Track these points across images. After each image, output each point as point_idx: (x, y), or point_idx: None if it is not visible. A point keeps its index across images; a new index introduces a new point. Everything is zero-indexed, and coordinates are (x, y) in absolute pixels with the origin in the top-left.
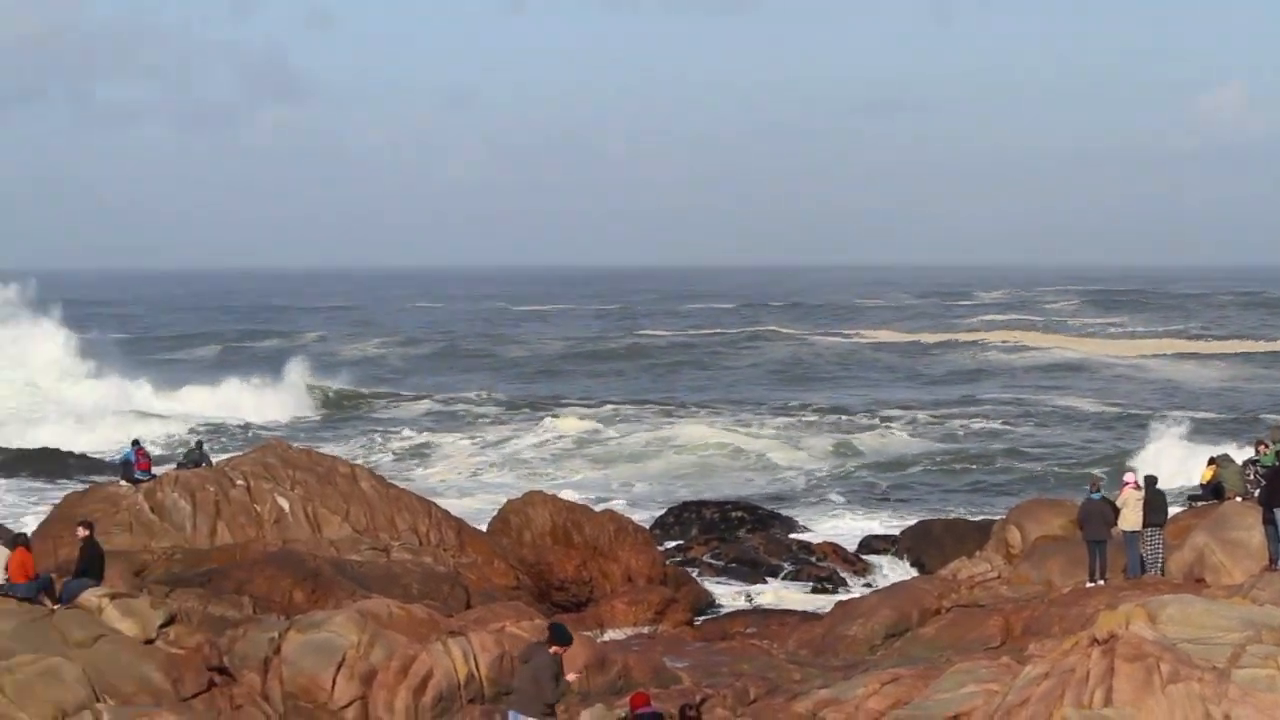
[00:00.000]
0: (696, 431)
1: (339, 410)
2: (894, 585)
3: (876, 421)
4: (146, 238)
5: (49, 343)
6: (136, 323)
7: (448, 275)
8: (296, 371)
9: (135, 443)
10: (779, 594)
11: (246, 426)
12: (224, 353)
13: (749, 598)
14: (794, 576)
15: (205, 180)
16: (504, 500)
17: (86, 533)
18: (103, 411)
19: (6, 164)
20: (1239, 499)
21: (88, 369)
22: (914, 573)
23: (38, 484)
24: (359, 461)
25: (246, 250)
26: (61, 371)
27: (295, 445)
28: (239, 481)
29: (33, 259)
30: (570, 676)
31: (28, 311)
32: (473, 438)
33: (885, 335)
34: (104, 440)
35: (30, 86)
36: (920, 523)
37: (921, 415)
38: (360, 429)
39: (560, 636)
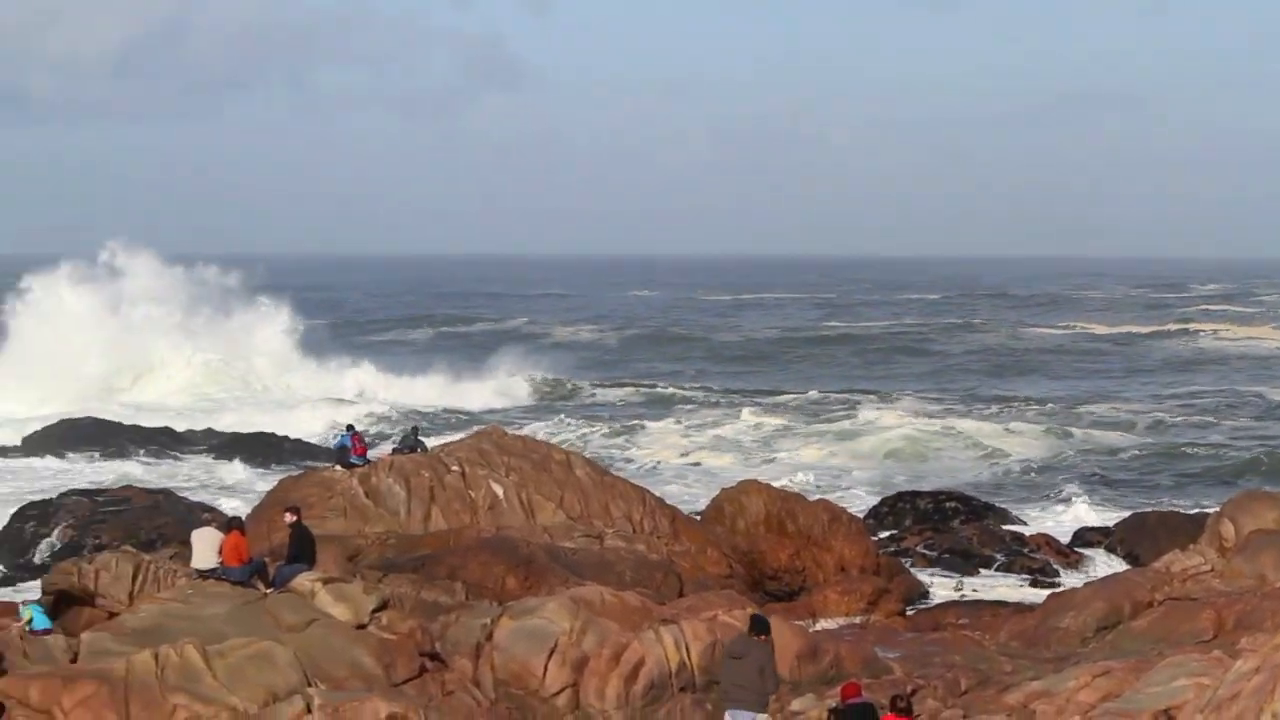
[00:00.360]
0: (909, 419)
1: (551, 394)
2: (1107, 578)
3: (1089, 411)
4: (362, 223)
5: (267, 329)
6: (351, 307)
7: (664, 263)
8: (509, 356)
9: (350, 428)
10: (992, 585)
11: (460, 412)
12: (437, 338)
13: (959, 588)
14: (1007, 568)
15: (422, 167)
16: (717, 487)
17: (294, 518)
18: (318, 397)
19: (225, 150)
20: None
21: (303, 354)
22: (1127, 565)
23: (253, 468)
24: (569, 445)
25: (462, 236)
26: (279, 357)
27: (510, 431)
28: (454, 467)
29: (249, 244)
30: None
31: (249, 298)
32: (685, 422)
33: (1097, 326)
34: (319, 425)
35: (250, 73)
36: (1134, 515)
37: (1134, 406)
38: (572, 413)
39: (764, 626)
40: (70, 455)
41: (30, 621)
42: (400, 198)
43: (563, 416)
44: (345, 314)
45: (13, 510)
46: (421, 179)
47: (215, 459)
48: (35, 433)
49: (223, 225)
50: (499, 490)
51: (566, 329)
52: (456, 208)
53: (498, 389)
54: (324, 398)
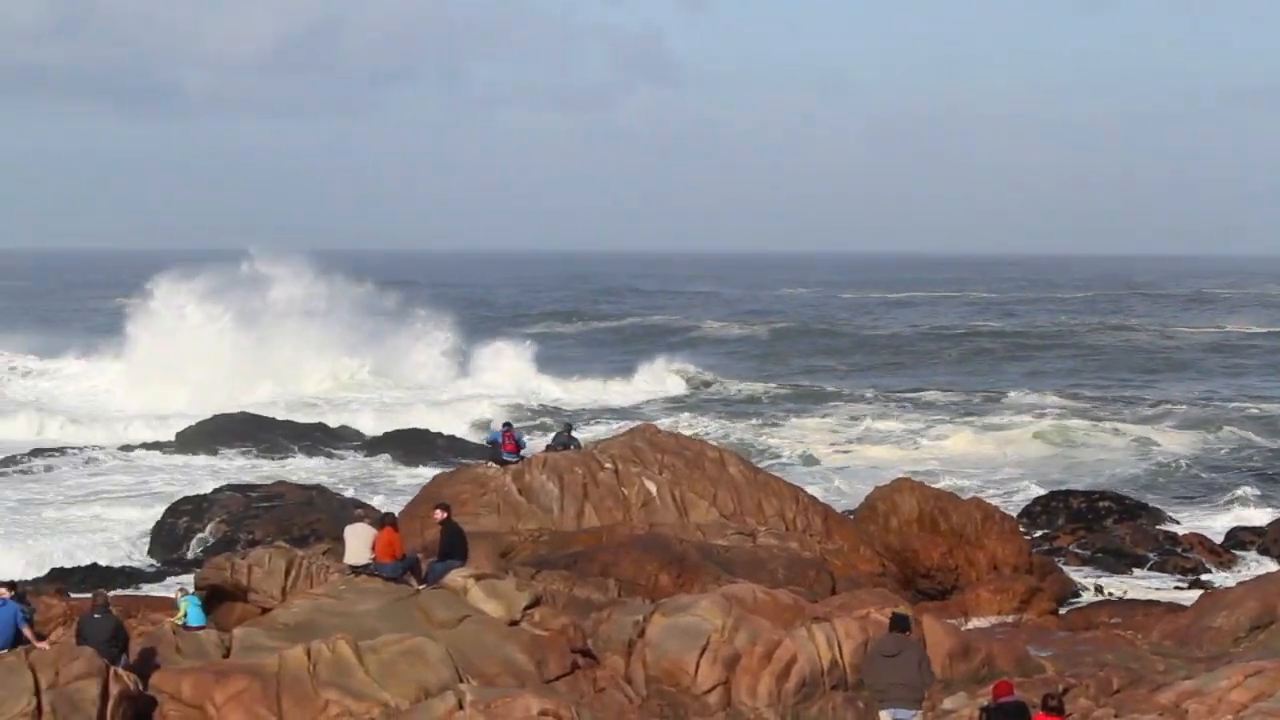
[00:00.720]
0: (1061, 416)
1: (700, 389)
2: (1260, 577)
3: (1241, 410)
4: (515, 219)
5: (424, 354)
6: (502, 303)
7: (815, 260)
8: (659, 351)
9: (506, 425)
10: (1144, 585)
11: (609, 408)
12: (588, 333)
13: (1099, 589)
14: (1159, 567)
15: (576, 163)
16: (868, 483)
17: (444, 514)
18: (469, 393)
19: (379, 145)
20: None
21: (456, 355)
22: None
23: (406, 465)
24: (717, 440)
25: (615, 232)
26: (436, 364)
27: (659, 425)
28: (607, 464)
29: (404, 239)
30: None
31: (408, 312)
32: (835, 418)
33: (1250, 324)
34: (471, 422)
35: (403, 68)
36: None
37: None
38: (720, 408)
39: (906, 623)
40: (223, 451)
41: (185, 615)
42: (554, 194)
43: (711, 411)
44: (497, 309)
45: (166, 505)
46: (575, 175)
47: (368, 455)
48: (189, 428)
49: (377, 221)
50: (652, 488)
51: (716, 324)
52: (609, 204)
53: (647, 384)
54: (475, 394)
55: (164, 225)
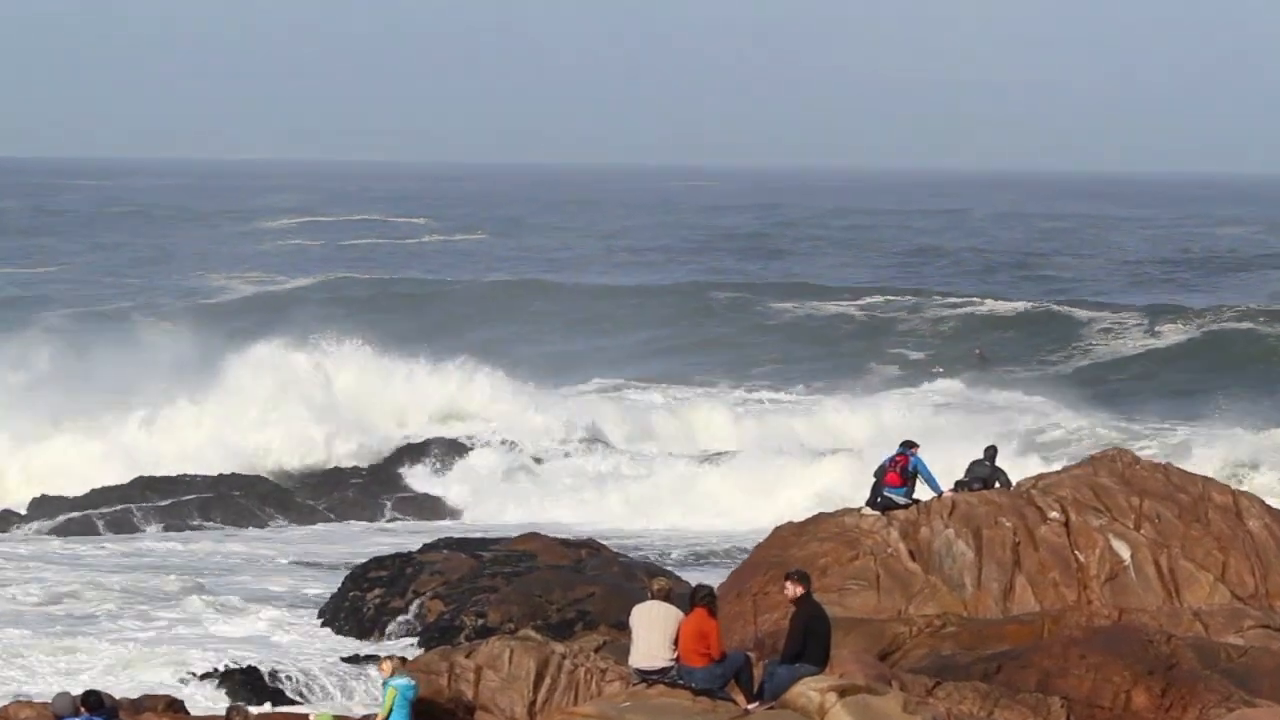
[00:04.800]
0: None
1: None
2: None
3: None
4: None
5: None
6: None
7: None
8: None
9: (905, 445)
10: None
11: (1055, 421)
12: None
13: None
14: None
15: None
16: None
17: (800, 590)
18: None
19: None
20: None
21: None
22: None
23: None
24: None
25: None
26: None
27: (1144, 456)
28: (1052, 513)
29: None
30: None
31: None
32: None
33: None
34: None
35: None
36: None
37: None
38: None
39: None
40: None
41: (390, 712)
42: None
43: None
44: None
45: (344, 573)
46: None
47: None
48: None
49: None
50: (1124, 551)
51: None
52: None
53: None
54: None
55: None
